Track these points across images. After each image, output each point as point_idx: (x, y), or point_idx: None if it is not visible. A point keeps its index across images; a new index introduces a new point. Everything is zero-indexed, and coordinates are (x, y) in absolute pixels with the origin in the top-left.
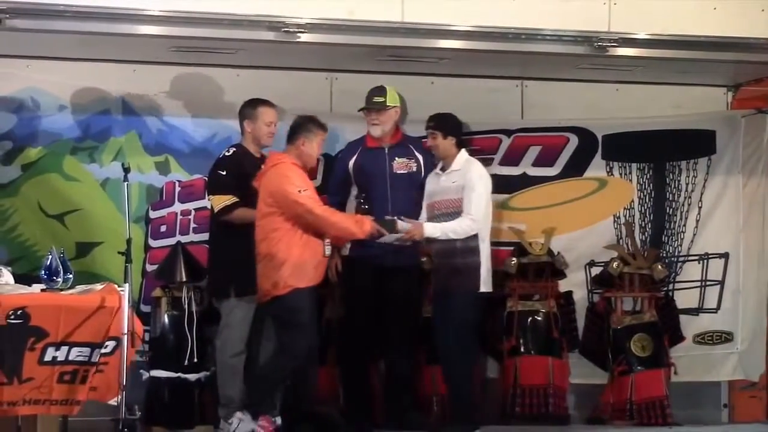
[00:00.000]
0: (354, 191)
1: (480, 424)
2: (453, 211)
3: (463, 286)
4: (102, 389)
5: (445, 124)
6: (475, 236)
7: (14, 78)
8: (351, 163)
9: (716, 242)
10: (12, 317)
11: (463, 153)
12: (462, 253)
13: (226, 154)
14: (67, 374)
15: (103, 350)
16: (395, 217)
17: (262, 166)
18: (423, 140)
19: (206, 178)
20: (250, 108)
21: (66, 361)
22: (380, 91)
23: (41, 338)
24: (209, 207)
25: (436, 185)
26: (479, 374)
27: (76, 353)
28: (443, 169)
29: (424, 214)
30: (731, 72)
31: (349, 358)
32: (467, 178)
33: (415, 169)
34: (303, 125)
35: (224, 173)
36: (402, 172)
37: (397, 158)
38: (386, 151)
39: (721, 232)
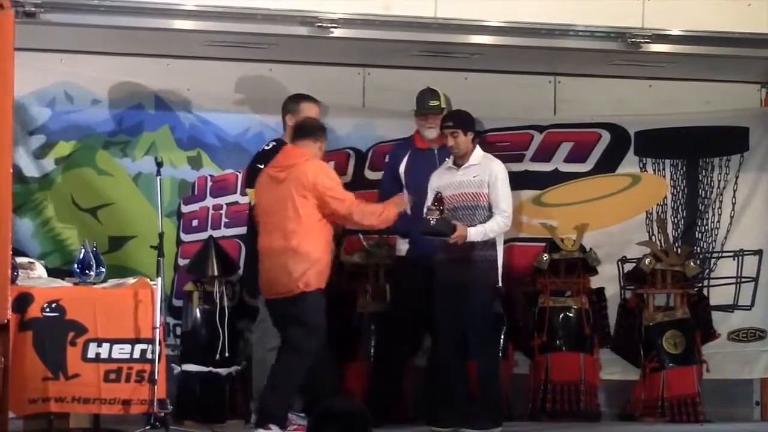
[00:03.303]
0: (406, 195)
1: (502, 421)
2: (472, 205)
3: (484, 280)
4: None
5: (463, 121)
6: None
7: (48, 72)
8: (402, 167)
9: (750, 239)
10: (47, 310)
11: (479, 149)
12: (481, 247)
13: (266, 148)
14: (112, 372)
15: (149, 355)
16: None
17: (286, 159)
18: None
19: (239, 173)
20: (293, 103)
21: (110, 359)
22: (434, 94)
23: (81, 333)
24: (248, 201)
25: (450, 179)
26: (505, 371)
27: (118, 350)
28: (458, 164)
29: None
30: (765, 68)
31: (389, 356)
32: (491, 174)
33: None
34: (319, 129)
35: (263, 167)
36: None
37: (447, 159)
38: (436, 153)
39: (754, 228)
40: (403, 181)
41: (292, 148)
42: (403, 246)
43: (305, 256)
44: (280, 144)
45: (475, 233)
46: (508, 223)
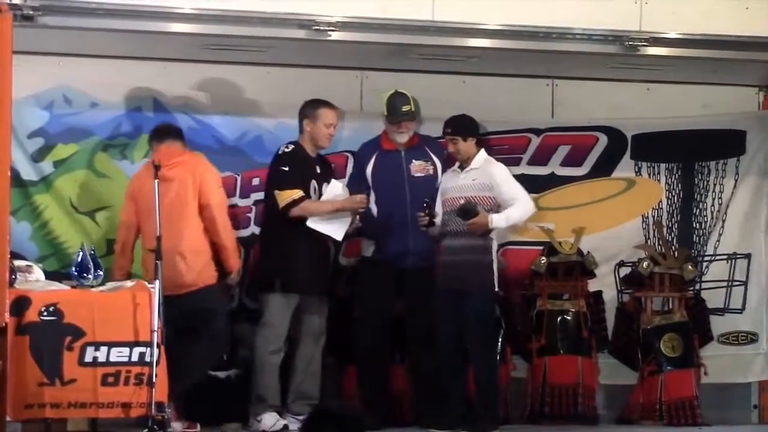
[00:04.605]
0: (373, 197)
1: (499, 424)
2: None
3: (483, 284)
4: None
5: (463, 127)
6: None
7: (46, 75)
8: (369, 168)
9: (742, 242)
10: (45, 314)
11: (482, 152)
12: (478, 251)
13: (286, 150)
14: (110, 376)
15: (147, 358)
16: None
17: (170, 158)
18: (440, 140)
19: (238, 176)
20: (310, 108)
21: (108, 362)
22: (405, 99)
23: (78, 337)
24: (271, 201)
25: (454, 182)
26: (503, 374)
27: (116, 354)
28: (462, 168)
29: (439, 209)
30: (763, 72)
31: (366, 358)
32: (492, 178)
33: (431, 172)
34: (181, 131)
35: (287, 169)
36: (419, 175)
37: (414, 161)
38: (403, 155)
39: (747, 232)
40: (370, 183)
41: (169, 148)
42: (368, 247)
43: (204, 253)
44: (298, 147)
45: (497, 219)
46: (530, 207)
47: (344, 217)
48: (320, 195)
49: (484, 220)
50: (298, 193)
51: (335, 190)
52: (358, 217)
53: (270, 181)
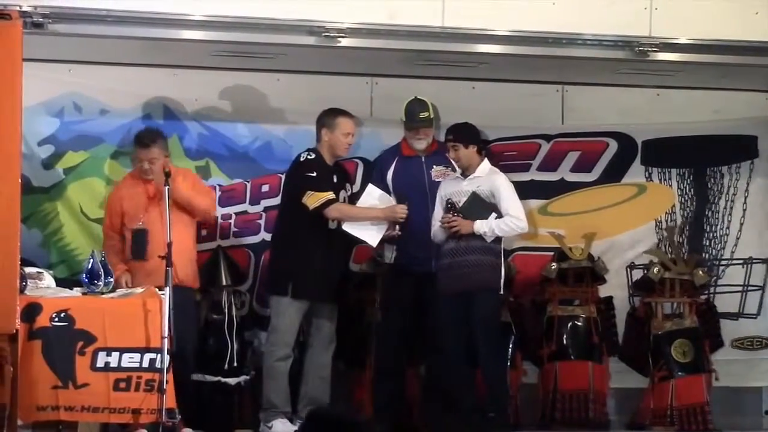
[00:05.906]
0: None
1: (510, 430)
2: None
3: (485, 283)
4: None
5: (464, 134)
6: (500, 238)
7: (56, 82)
8: (390, 174)
9: (758, 247)
10: (56, 319)
11: (486, 162)
12: (478, 251)
13: (309, 157)
14: (122, 381)
15: (158, 364)
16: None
17: None
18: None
19: (248, 182)
20: (329, 117)
21: (119, 368)
22: (423, 105)
23: (89, 343)
24: (289, 204)
25: (456, 188)
26: (514, 380)
27: (127, 359)
28: (465, 175)
29: (438, 214)
30: None
31: (386, 363)
32: (495, 186)
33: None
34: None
35: (314, 174)
36: (440, 180)
37: (434, 166)
38: (423, 160)
39: (763, 236)
40: (391, 188)
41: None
42: (389, 253)
43: None
44: (317, 154)
45: (480, 225)
46: (521, 225)
47: (381, 223)
48: None
49: (467, 224)
50: (330, 195)
51: (372, 195)
52: (398, 227)
53: (295, 184)
